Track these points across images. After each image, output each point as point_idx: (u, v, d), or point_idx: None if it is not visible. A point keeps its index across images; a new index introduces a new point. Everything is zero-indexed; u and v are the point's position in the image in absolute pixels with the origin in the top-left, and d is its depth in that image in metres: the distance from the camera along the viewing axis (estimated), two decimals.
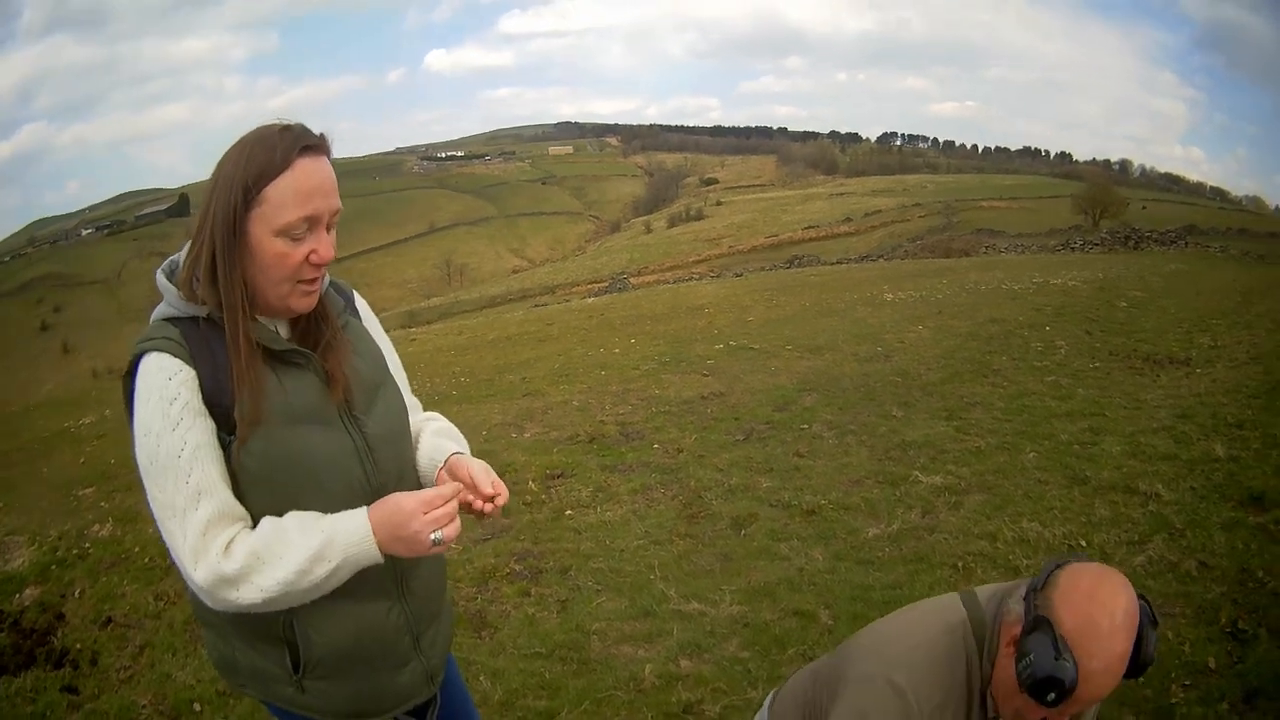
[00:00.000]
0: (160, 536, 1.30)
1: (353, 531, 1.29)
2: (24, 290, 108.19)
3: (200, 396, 1.28)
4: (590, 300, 23.84)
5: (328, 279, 1.46)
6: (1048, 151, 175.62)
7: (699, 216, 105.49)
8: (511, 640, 3.42)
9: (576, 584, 3.86)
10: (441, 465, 1.50)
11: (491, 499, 1.42)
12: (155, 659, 3.48)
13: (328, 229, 1.34)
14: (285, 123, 1.31)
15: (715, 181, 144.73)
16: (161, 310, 1.34)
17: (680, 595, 3.66)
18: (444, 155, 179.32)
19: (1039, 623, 1.32)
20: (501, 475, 1.46)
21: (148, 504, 1.30)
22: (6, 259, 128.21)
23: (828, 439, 5.72)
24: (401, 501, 1.31)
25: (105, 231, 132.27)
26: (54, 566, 4.49)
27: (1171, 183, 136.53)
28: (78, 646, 3.61)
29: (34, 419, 10.49)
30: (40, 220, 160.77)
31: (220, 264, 1.28)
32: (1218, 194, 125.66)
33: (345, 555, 1.28)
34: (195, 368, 1.29)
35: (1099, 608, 1.30)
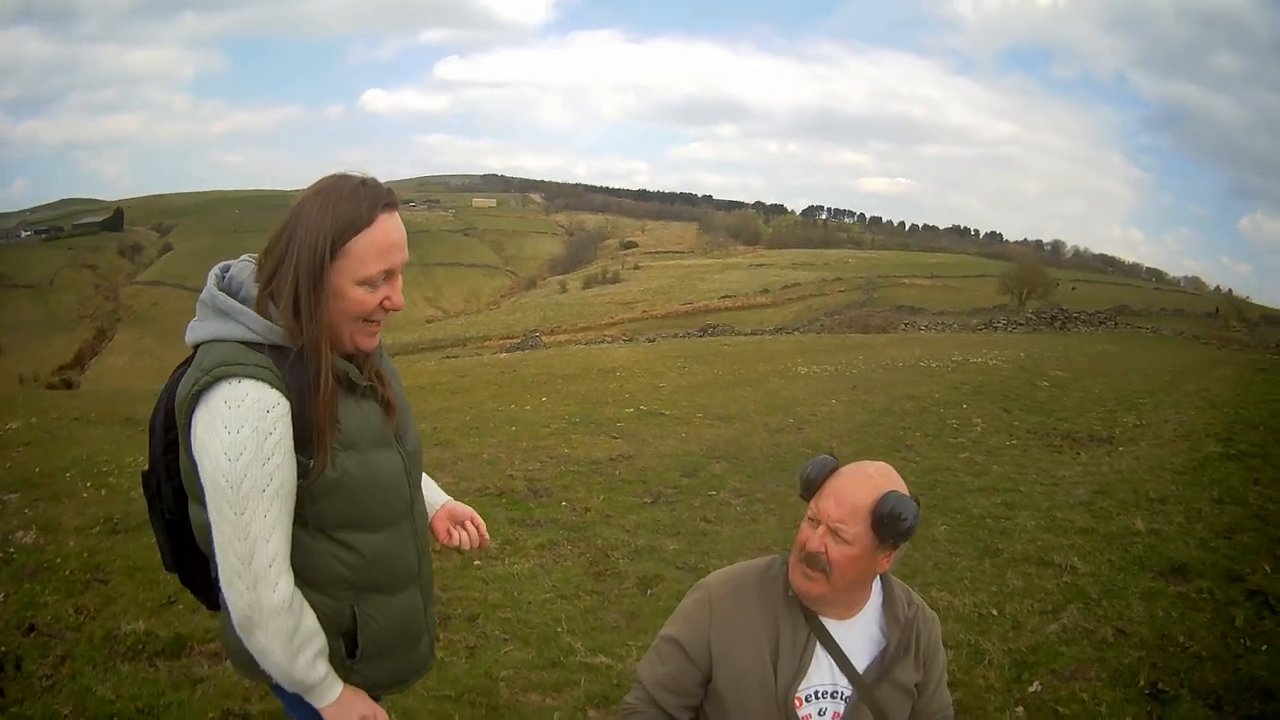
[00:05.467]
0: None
1: (328, 691, 1.51)
2: None
3: (292, 431, 1.39)
4: (503, 356, 23.62)
5: None
6: (977, 231, 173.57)
7: (615, 280, 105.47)
8: (420, 682, 3.47)
9: (484, 632, 3.83)
10: (439, 506, 1.83)
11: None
12: (76, 670, 3.34)
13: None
14: (361, 176, 1.44)
15: (635, 245, 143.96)
16: (236, 332, 1.41)
17: (587, 649, 3.67)
18: None
19: None
20: None
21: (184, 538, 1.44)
22: None
23: (735, 506, 5.77)
24: (355, 703, 1.55)
25: (43, 236, 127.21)
26: None
27: (1106, 264, 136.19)
28: (2, 649, 3.43)
29: None
30: None
31: (304, 306, 1.39)
32: (1154, 275, 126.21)
33: (309, 688, 1.50)
34: (289, 399, 1.39)
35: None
